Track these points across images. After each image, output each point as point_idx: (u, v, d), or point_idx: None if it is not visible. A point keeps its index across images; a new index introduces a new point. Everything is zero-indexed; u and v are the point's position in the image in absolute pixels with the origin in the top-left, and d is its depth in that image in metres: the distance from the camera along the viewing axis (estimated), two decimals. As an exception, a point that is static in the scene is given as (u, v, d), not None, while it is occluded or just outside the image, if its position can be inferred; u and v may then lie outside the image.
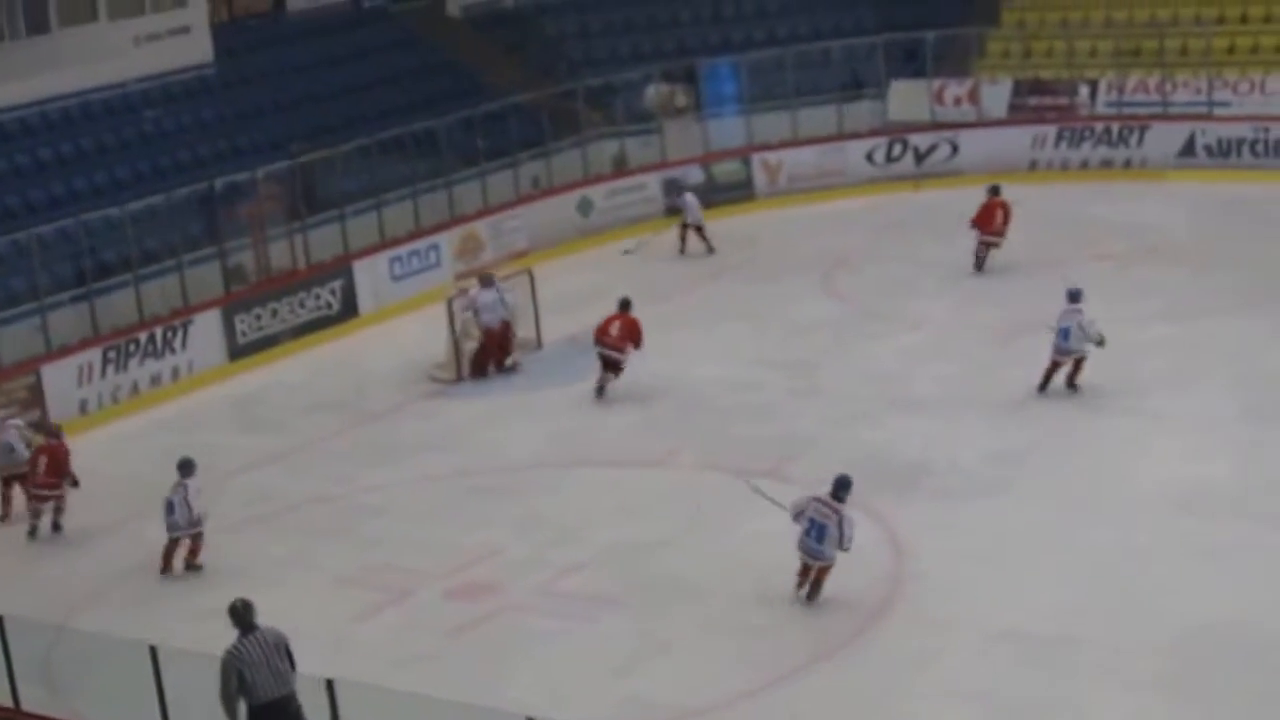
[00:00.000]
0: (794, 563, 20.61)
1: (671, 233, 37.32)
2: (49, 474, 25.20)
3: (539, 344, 31.32)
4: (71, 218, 32.54)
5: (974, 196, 34.32)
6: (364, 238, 35.47)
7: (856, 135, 41.92)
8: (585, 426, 27.14)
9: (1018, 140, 41.18)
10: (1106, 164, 40.33)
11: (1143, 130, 40.42)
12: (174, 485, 23.26)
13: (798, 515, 20.68)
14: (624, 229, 38.58)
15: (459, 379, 30.19)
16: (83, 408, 30.09)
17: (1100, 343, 26.01)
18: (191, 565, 23.36)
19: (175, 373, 31.29)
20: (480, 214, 37.37)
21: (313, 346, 32.91)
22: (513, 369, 30.46)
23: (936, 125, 41.96)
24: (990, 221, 33.17)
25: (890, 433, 25.76)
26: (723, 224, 38.05)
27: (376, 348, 32.20)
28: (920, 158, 41.19)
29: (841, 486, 20.56)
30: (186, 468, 23.39)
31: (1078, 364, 26.35)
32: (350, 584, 22.51)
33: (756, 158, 41.23)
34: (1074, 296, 26.68)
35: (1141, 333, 28.55)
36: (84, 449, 27.06)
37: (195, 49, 39.72)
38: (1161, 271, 32.29)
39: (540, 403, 28.88)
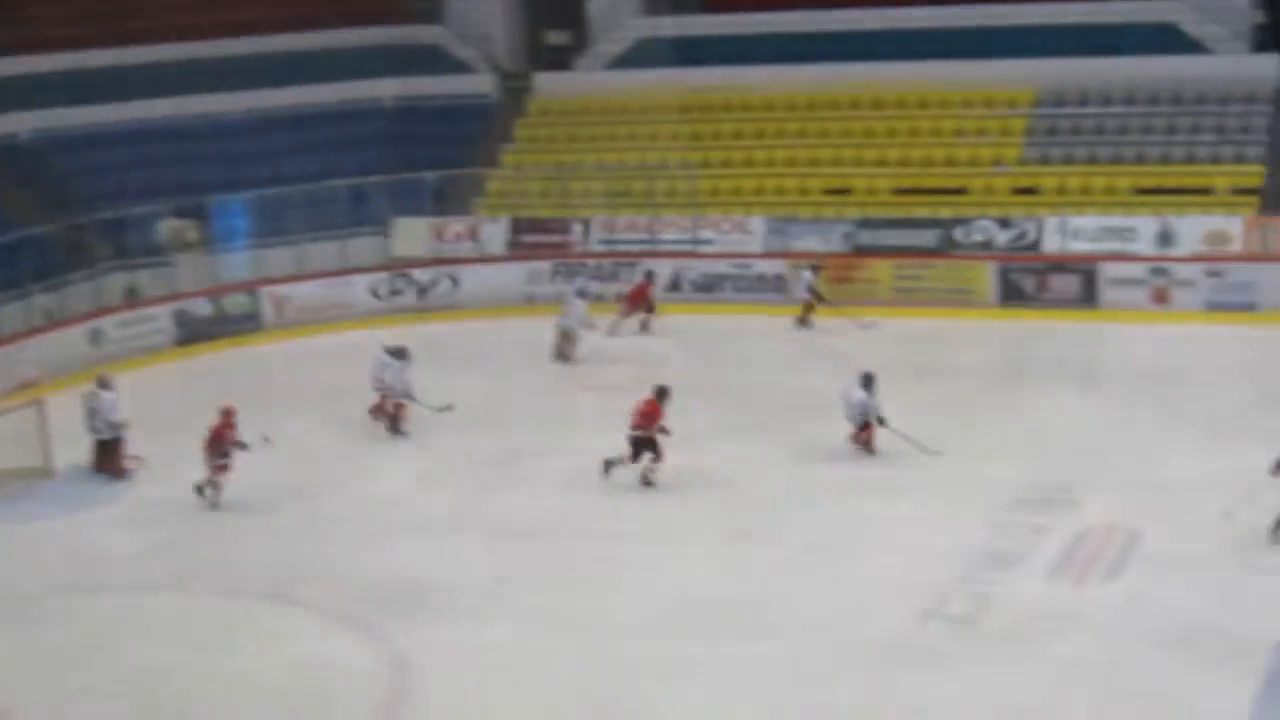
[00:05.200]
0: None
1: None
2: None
3: (51, 472, 31.50)
4: None
5: (474, 329, 35.73)
6: None
7: (361, 270, 43.45)
8: (96, 552, 27.58)
9: (515, 275, 43.28)
10: (600, 298, 42.39)
11: (633, 266, 42.77)
12: None
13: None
14: (134, 359, 39.01)
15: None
16: None
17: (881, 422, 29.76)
18: None
19: None
20: (-9, 344, 37.32)
21: None
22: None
23: (438, 260, 43.72)
24: None
25: (393, 555, 26.68)
26: (231, 354, 39.20)
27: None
28: (422, 291, 42.77)
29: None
30: None
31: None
32: None
33: (265, 290, 42.27)
34: (867, 382, 30.08)
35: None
36: None
37: None
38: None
39: (52, 530, 29.15)
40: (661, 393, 29.46)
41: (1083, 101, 46.61)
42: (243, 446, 29.50)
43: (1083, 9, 47.37)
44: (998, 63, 47.09)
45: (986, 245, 42.32)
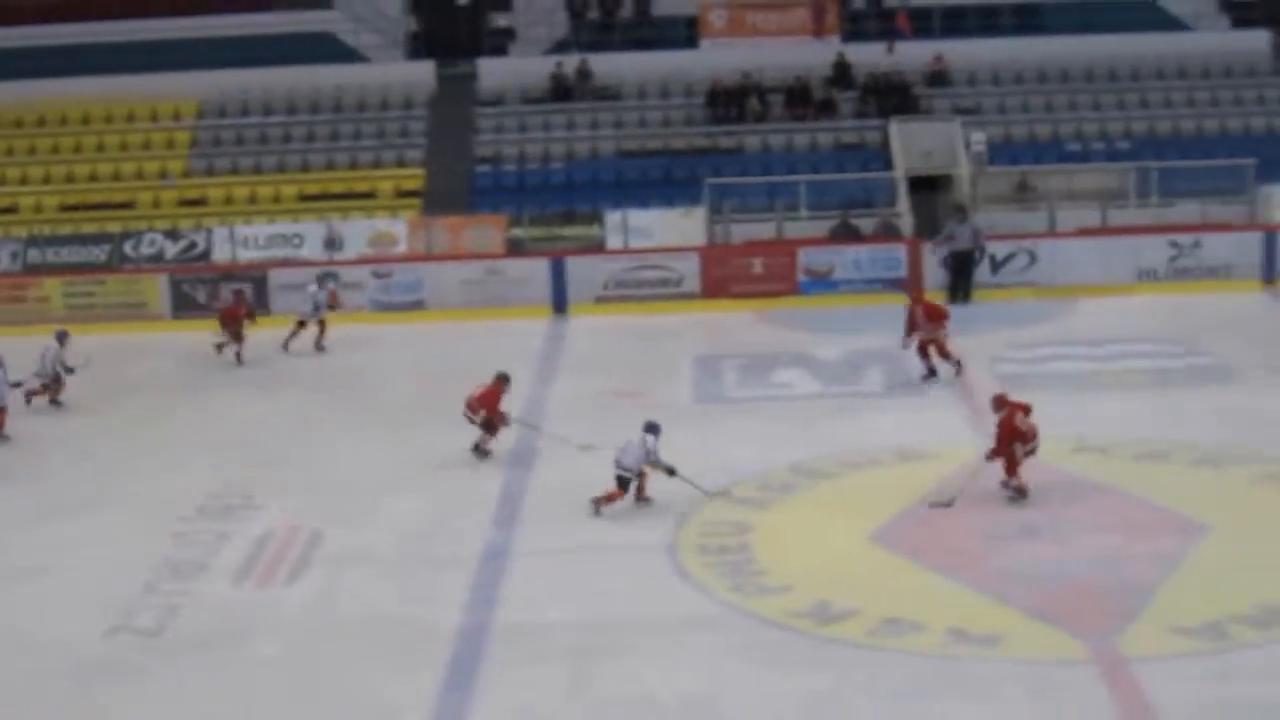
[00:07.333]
0: None
1: None
2: None
3: None
4: None
5: None
6: None
7: None
8: None
9: None
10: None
11: None
12: None
13: None
14: None
15: None
16: None
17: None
18: None
19: None
20: None
21: None
22: None
23: None
24: None
25: None
26: None
27: None
28: None
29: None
30: None
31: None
32: None
33: None
34: (651, 429, 26.00)
35: None
36: None
37: None
38: None
39: None
40: (503, 378, 29.19)
41: (245, 112, 47.41)
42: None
43: (240, 21, 48.18)
44: (160, 76, 47.41)
45: (157, 258, 42.44)
